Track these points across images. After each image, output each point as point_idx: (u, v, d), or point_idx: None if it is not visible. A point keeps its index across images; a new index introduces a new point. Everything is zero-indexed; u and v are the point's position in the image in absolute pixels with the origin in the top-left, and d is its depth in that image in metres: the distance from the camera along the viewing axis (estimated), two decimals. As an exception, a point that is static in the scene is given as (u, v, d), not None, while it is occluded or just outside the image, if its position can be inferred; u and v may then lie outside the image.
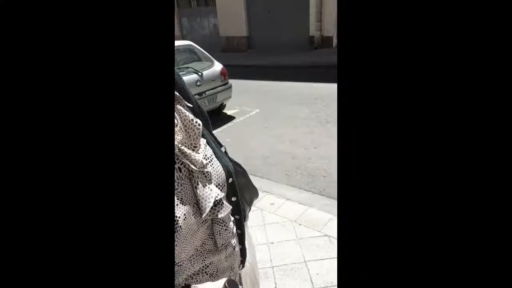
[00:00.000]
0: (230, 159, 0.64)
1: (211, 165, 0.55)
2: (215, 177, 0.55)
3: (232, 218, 0.61)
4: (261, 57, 9.94)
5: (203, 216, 0.51)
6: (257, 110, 5.09)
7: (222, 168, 0.57)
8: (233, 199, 0.60)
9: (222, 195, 0.54)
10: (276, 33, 10.97)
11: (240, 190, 0.62)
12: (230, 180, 0.59)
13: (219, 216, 0.53)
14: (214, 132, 0.62)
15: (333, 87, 5.89)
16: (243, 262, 0.68)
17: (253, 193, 0.76)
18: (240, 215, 0.63)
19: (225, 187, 0.58)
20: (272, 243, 2.06)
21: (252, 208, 2.81)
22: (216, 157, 0.58)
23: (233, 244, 0.61)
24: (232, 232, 0.60)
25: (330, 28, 10.05)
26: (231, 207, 0.57)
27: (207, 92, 4.37)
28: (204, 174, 0.52)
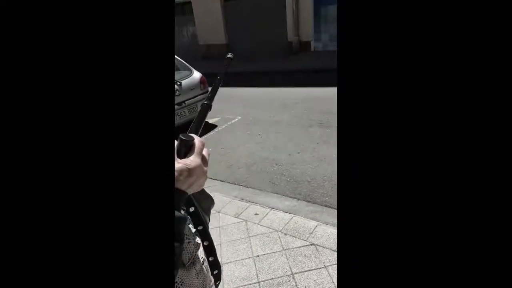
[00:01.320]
0: None
1: None
2: None
3: (194, 230, 0.59)
4: (241, 64, 9.93)
5: None
6: (239, 117, 5.02)
7: None
8: (191, 209, 0.58)
9: None
10: (255, 40, 11.00)
11: (195, 199, 0.60)
12: None
13: None
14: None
15: (313, 91, 5.91)
16: (218, 274, 0.65)
17: (210, 201, 0.74)
18: (203, 225, 0.61)
19: None
20: (258, 256, 1.98)
21: (236, 219, 2.72)
22: None
23: (201, 259, 0.58)
24: (196, 243, 0.57)
25: (307, 33, 10.16)
26: (188, 217, 0.55)
27: (186, 102, 4.28)
28: None
